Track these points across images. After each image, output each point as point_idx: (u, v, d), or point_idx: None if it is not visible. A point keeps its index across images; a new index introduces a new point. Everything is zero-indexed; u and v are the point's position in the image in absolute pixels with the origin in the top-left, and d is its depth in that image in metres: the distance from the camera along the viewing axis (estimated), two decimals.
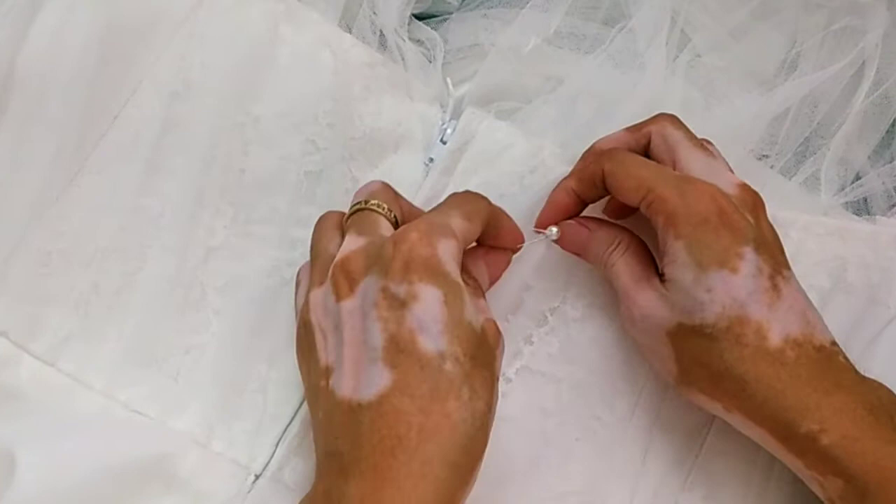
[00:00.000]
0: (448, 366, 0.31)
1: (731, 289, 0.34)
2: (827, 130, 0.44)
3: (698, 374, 0.35)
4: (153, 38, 0.42)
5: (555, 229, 0.40)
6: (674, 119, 0.38)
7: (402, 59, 0.43)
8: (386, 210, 0.36)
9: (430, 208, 0.38)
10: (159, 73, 0.42)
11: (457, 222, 0.35)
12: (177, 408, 0.40)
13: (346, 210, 0.38)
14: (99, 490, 0.37)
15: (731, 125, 0.43)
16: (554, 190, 0.40)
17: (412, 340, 0.32)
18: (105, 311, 0.40)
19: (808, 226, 0.42)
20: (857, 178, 0.44)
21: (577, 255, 0.40)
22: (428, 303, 0.32)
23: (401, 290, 0.32)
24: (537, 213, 0.40)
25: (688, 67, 0.44)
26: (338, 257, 0.34)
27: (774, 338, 0.34)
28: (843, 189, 0.44)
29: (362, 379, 0.32)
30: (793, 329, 0.34)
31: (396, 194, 0.37)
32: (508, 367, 0.41)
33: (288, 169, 0.42)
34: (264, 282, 0.41)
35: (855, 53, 0.44)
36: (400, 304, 0.32)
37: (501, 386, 0.36)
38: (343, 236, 0.36)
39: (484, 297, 0.37)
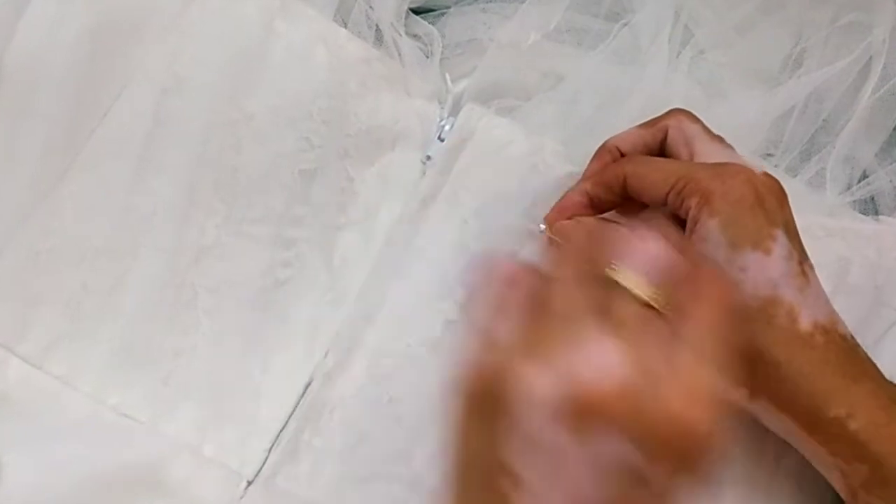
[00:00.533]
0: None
1: (764, 269, 0.33)
2: (833, 128, 0.44)
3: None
4: (145, 33, 0.41)
5: (542, 226, 0.39)
6: (689, 113, 0.38)
7: (399, 54, 0.43)
8: (656, 300, 0.28)
9: (435, 212, 0.38)
10: (151, 69, 0.41)
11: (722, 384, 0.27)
12: (167, 412, 0.40)
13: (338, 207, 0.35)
14: (87, 496, 0.37)
15: (735, 123, 0.42)
16: (568, 192, 0.39)
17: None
18: (95, 312, 0.40)
19: (807, 228, 0.40)
20: (864, 176, 0.44)
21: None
22: None
23: (649, 473, 0.25)
24: (537, 213, 0.40)
25: (691, 64, 0.44)
26: (601, 385, 0.25)
27: (805, 322, 0.34)
28: (849, 188, 0.44)
29: None
30: (820, 315, 0.34)
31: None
32: None
33: (282, 167, 0.42)
34: (257, 283, 0.41)
35: (861, 49, 0.44)
36: (639, 490, 0.25)
37: None
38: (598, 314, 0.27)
39: None
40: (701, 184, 0.34)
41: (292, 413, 0.40)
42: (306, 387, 0.40)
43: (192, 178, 0.41)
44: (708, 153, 0.37)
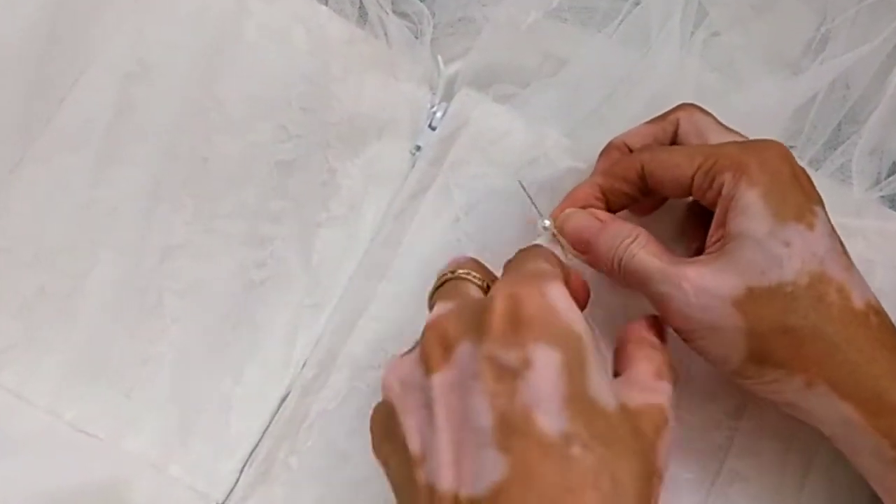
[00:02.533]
0: (575, 450, 0.27)
1: (810, 244, 0.33)
2: (859, 116, 0.43)
3: (777, 343, 0.33)
4: (106, 12, 0.41)
5: (548, 221, 0.37)
6: (699, 107, 0.37)
7: (386, 34, 0.42)
8: (477, 278, 0.33)
9: (426, 207, 0.38)
10: (112, 51, 0.40)
11: (547, 267, 0.31)
12: (129, 427, 0.38)
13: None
14: None
15: (753, 111, 0.41)
16: (578, 186, 0.38)
17: (528, 418, 0.27)
18: (51, 318, 0.38)
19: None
20: (894, 170, 0.43)
21: (582, 253, 0.37)
22: (544, 368, 0.28)
23: (510, 355, 0.28)
24: (536, 211, 0.38)
25: (704, 46, 0.43)
26: (426, 322, 0.30)
27: (857, 300, 0.33)
28: (877, 182, 0.42)
29: (468, 468, 0.28)
30: (870, 296, 0.34)
31: (486, 267, 0.34)
32: None
33: (257, 158, 0.41)
34: (230, 285, 0.40)
35: (891, 30, 0.42)
36: (511, 374, 0.28)
37: None
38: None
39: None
40: (733, 158, 0.34)
41: (267, 429, 0.39)
42: (282, 400, 0.39)
43: (158, 170, 0.40)
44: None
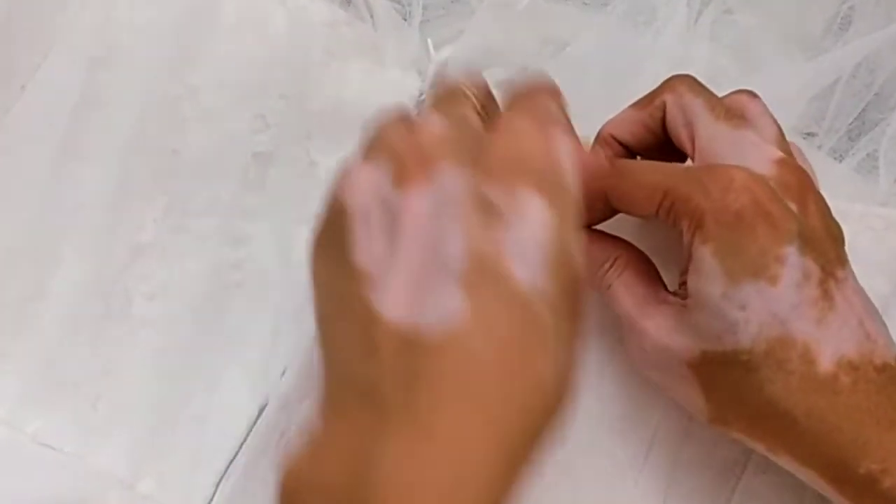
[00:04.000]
0: (540, 307, 0.26)
1: (769, 304, 0.30)
2: (886, 103, 0.42)
3: (734, 411, 0.33)
4: None
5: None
6: (691, 81, 0.35)
7: (371, 16, 0.41)
8: (479, 103, 0.31)
9: None
10: (76, 35, 0.39)
11: (560, 114, 0.30)
12: (96, 440, 0.37)
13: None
14: None
15: (769, 97, 0.37)
16: None
17: (504, 265, 0.26)
18: (10, 324, 0.38)
19: (862, 218, 0.39)
20: None
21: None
22: (533, 221, 0.26)
23: (501, 195, 0.26)
24: None
25: (715, 26, 0.42)
26: (414, 130, 0.28)
27: (825, 361, 0.31)
28: None
29: (425, 299, 0.26)
30: (848, 348, 0.31)
31: (495, 100, 0.32)
32: None
33: (232, 150, 0.39)
34: (203, 287, 0.39)
35: None
36: (497, 215, 0.26)
37: None
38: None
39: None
40: (690, 202, 0.31)
41: (244, 441, 0.38)
42: (261, 410, 0.38)
43: (125, 163, 0.39)
44: (711, 138, 0.33)
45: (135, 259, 0.39)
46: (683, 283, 0.32)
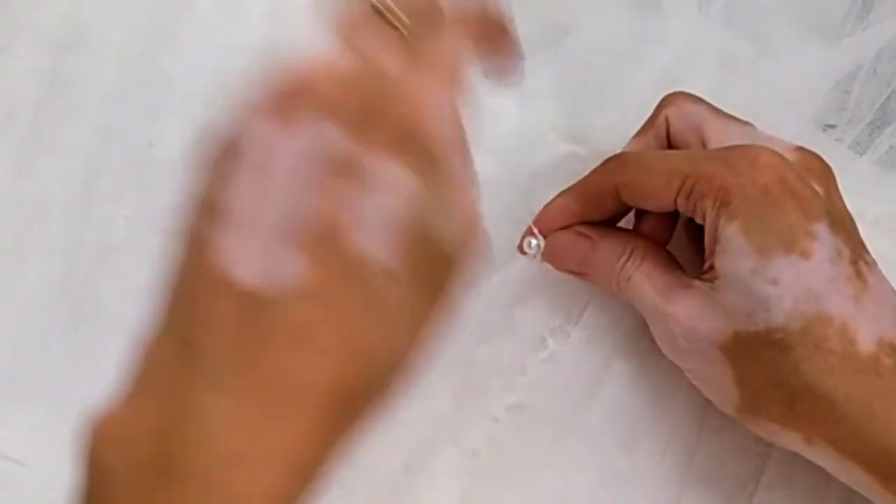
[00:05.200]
0: (380, 282, 0.26)
1: (803, 277, 0.30)
2: None
3: (768, 397, 0.32)
4: None
5: (535, 241, 0.35)
6: (688, 95, 0.35)
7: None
8: (404, 25, 0.28)
9: None
10: (42, 20, 0.39)
11: (458, 61, 0.29)
12: (64, 454, 0.33)
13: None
14: None
15: (785, 86, 0.39)
16: (548, 204, 0.36)
17: (348, 236, 0.25)
18: None
19: (879, 219, 0.38)
20: None
21: (577, 275, 0.36)
22: (388, 193, 0.25)
23: (362, 156, 0.25)
24: (533, 204, 0.37)
25: (727, 9, 0.41)
26: (306, 65, 0.27)
27: (865, 341, 0.30)
28: None
29: (264, 255, 0.25)
30: (887, 328, 0.31)
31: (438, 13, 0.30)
32: (496, 404, 0.37)
33: (210, 143, 0.37)
34: None
35: None
36: (352, 178, 0.25)
37: (488, 430, 0.35)
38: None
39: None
40: (713, 180, 0.31)
41: None
42: None
43: (94, 156, 0.39)
44: (722, 136, 0.34)
45: (105, 260, 0.38)
46: (710, 268, 0.32)
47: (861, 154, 0.40)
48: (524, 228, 0.37)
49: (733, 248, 0.31)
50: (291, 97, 0.26)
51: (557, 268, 0.36)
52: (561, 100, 0.40)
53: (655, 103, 0.37)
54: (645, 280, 0.34)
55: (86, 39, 0.39)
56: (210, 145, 0.27)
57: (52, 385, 0.36)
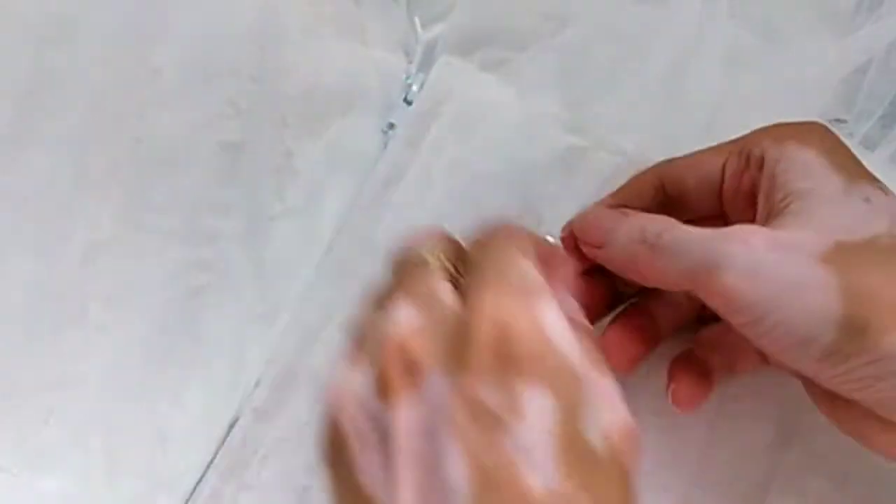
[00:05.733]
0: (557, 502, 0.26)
1: (892, 205, 0.30)
2: None
3: (881, 299, 0.29)
4: None
5: (551, 239, 0.35)
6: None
7: None
8: (448, 265, 0.29)
9: (400, 196, 0.37)
10: (26, 12, 0.39)
11: (535, 276, 0.28)
12: (47, 461, 0.36)
13: None
14: None
15: (794, 80, 0.39)
16: (585, 210, 0.34)
17: (514, 474, 0.25)
18: None
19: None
20: None
21: (596, 247, 0.34)
22: (536, 420, 0.25)
23: (495, 398, 0.25)
24: (533, 201, 0.37)
25: (735, 1, 0.40)
26: (388, 329, 0.27)
27: None
28: None
29: None
30: None
31: (457, 243, 0.31)
32: None
33: (199, 138, 0.39)
34: (166, 291, 0.38)
35: None
36: (494, 421, 0.25)
37: None
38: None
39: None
40: (769, 131, 0.32)
41: (212, 461, 0.37)
42: (230, 427, 0.37)
43: (80, 153, 0.38)
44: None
45: (90, 259, 0.38)
46: (775, 205, 0.31)
47: (872, 150, 0.40)
48: (524, 222, 0.36)
49: (815, 170, 0.30)
50: (397, 356, 0.26)
51: (579, 244, 0.34)
52: (562, 92, 0.40)
53: (660, 95, 0.37)
54: (685, 233, 0.31)
55: (71, 32, 0.39)
56: (342, 427, 0.26)
57: (35, 390, 0.36)
